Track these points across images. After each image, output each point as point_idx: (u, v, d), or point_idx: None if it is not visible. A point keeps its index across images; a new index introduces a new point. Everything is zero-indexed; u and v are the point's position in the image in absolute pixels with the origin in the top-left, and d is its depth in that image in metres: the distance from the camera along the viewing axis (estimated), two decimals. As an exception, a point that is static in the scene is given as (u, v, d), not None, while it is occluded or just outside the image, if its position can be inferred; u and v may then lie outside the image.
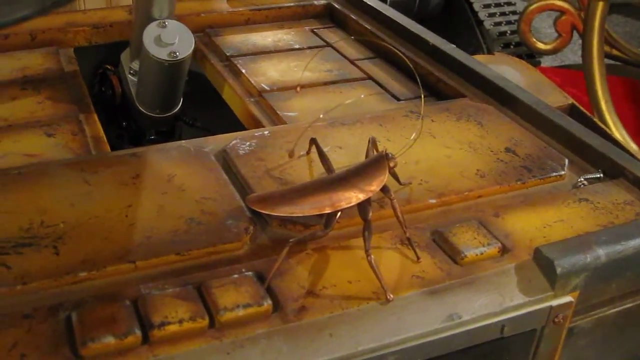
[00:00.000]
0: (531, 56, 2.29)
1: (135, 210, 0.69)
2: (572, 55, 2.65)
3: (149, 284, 0.59)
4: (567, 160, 0.80)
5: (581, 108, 1.21)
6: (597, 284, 0.66)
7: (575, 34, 2.07)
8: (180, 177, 0.74)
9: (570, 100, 1.20)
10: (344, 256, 0.64)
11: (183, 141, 0.81)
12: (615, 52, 2.24)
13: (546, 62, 2.51)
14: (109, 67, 1.18)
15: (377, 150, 0.73)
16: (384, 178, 0.65)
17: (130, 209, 0.69)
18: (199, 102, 1.20)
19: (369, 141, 0.72)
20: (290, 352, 0.55)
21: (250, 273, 0.60)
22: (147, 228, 0.66)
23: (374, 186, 0.64)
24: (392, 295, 0.59)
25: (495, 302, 0.61)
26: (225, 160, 0.77)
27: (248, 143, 0.80)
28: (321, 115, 0.85)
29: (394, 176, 0.70)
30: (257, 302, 0.57)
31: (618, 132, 1.78)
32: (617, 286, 0.71)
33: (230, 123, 1.03)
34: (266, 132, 0.83)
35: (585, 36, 1.92)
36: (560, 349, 0.68)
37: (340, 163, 0.77)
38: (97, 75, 1.21)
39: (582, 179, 0.78)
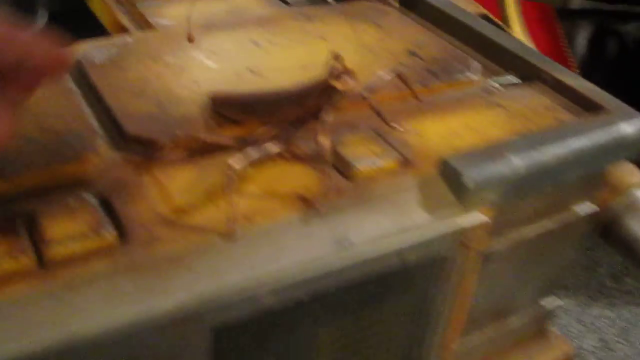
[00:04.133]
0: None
1: (-42, 131, 0.56)
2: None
3: (-36, 218, 0.47)
4: (478, 64, 0.70)
5: (494, 19, 1.12)
6: (515, 198, 0.56)
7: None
8: (19, 90, 0.61)
9: (483, 10, 1.10)
10: (213, 174, 0.52)
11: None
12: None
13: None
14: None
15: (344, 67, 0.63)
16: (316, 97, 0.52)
17: (-48, 129, 0.56)
18: (69, 20, 1.06)
19: (331, 55, 0.61)
20: (138, 292, 0.43)
21: (90, 196, 0.48)
22: (-30, 151, 0.54)
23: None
24: (236, 228, 0.48)
25: (394, 223, 0.51)
26: (79, 72, 0.65)
27: (107, 51, 0.67)
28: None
29: (376, 112, 0.58)
30: (97, 231, 0.46)
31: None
32: (536, 202, 0.61)
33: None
34: (129, 39, 0.70)
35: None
36: (473, 276, 0.58)
37: (215, 71, 0.65)
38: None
39: (495, 83, 0.68)
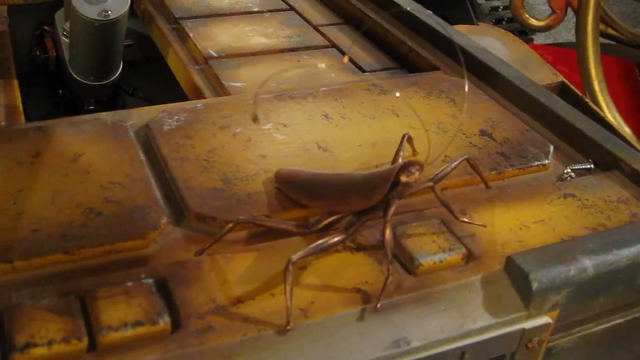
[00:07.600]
0: (523, 33, 2.19)
1: (26, 196, 0.56)
2: (565, 33, 2.54)
3: (24, 291, 0.47)
4: (552, 147, 0.68)
5: (572, 87, 1.09)
6: (582, 300, 0.54)
7: (570, 11, 1.96)
8: (88, 156, 0.61)
9: (560, 78, 1.08)
10: (271, 261, 0.51)
11: (102, 113, 0.69)
12: (610, 31, 2.13)
13: (539, 39, 2.40)
14: (46, 28, 1.05)
15: (413, 150, 0.64)
16: (384, 191, 0.51)
17: (20, 194, 0.57)
18: (146, 70, 1.07)
19: (402, 138, 0.60)
20: (186, 386, 0.43)
21: (149, 280, 0.48)
22: (36, 219, 0.54)
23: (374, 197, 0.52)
24: (291, 323, 0.46)
25: (454, 323, 0.49)
26: (147, 137, 0.65)
27: (176, 117, 0.67)
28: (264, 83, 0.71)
29: (444, 205, 0.56)
30: (151, 319, 0.45)
31: (611, 114, 1.66)
32: (604, 300, 0.59)
33: (178, 94, 0.90)
34: (199, 105, 0.70)
35: (580, 13, 1.80)
36: (534, 373, 0.56)
37: (282, 144, 0.65)
38: (34, 38, 1.08)
39: (569, 170, 0.66)
